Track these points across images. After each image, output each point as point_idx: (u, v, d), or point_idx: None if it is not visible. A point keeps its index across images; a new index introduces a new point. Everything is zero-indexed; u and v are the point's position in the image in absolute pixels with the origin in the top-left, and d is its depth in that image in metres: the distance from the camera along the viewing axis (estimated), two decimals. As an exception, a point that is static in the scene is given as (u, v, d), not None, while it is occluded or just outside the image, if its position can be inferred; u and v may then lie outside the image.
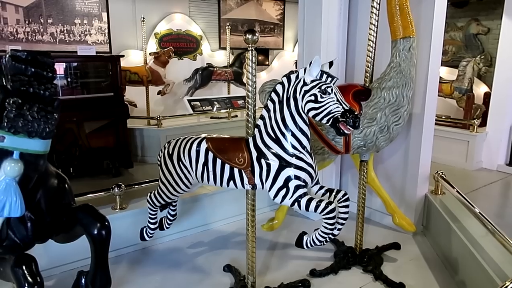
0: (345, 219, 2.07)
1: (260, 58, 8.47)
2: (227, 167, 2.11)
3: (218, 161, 2.13)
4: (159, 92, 6.48)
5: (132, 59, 6.47)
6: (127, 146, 5.27)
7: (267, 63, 8.24)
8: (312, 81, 1.89)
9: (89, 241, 1.70)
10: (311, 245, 2.08)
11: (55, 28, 5.83)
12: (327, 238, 2.05)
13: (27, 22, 5.58)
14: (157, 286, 2.58)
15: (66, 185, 1.76)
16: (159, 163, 2.39)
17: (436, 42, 2.93)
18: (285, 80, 2.01)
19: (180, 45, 7.02)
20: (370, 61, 2.56)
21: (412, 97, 2.75)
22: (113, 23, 6.28)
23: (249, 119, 2.12)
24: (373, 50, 2.54)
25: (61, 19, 5.85)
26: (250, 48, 2.04)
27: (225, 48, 7.18)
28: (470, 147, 5.16)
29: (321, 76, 1.89)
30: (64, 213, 1.68)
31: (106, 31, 6.26)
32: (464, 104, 5.70)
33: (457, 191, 2.89)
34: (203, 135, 2.27)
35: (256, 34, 2.03)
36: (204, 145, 2.18)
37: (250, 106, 2.11)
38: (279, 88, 2.02)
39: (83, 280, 1.91)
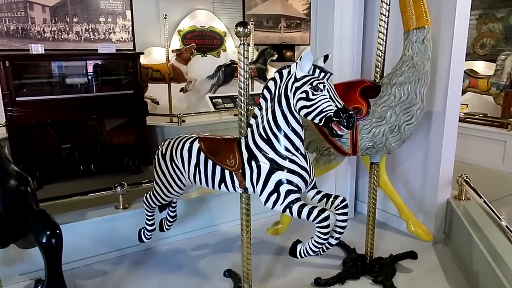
0: (343, 227, 1.89)
1: (287, 54, 8.31)
2: (218, 168, 1.99)
3: (210, 162, 2.02)
4: (181, 90, 6.47)
5: (156, 56, 6.50)
6: (146, 144, 5.29)
7: (294, 59, 8.05)
8: (303, 76, 1.73)
9: (39, 250, 1.63)
10: (305, 255, 1.93)
11: (80, 27, 5.95)
12: (323, 248, 1.89)
13: (53, 21, 5.73)
14: (154, 289, 2.52)
15: (29, 188, 1.69)
16: (154, 163, 2.31)
17: (459, 32, 2.66)
18: (277, 75, 1.86)
19: (203, 42, 6.99)
20: (380, 54, 2.34)
21: (429, 94, 2.52)
22: (137, 21, 6.35)
23: (242, 118, 1.99)
24: (384, 43, 2.33)
25: (86, 17, 5.96)
26: (242, 42, 1.91)
27: (249, 44, 7.04)
28: (508, 148, 4.75)
29: (314, 71, 1.73)
30: (23, 217, 1.62)
31: (130, 29, 6.33)
32: (502, 101, 5.28)
33: (481, 198, 2.61)
34: (195, 135, 2.16)
35: (248, 26, 1.89)
36: (196, 145, 2.08)
37: (242, 104, 1.98)
38: (271, 84, 1.88)
39: None
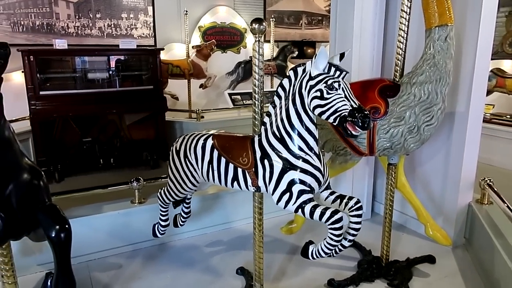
0: (357, 229, 1.85)
1: (308, 51, 8.21)
2: (231, 166, 1.98)
3: (223, 160, 2.00)
4: (200, 86, 6.47)
5: (176, 52, 6.52)
6: (165, 139, 5.33)
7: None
8: (318, 75, 1.69)
9: (49, 244, 1.65)
10: (317, 256, 1.89)
11: (103, 23, 6.03)
12: (336, 250, 1.86)
13: (77, 17, 5.83)
14: (167, 284, 2.52)
15: (41, 181, 1.71)
16: (168, 159, 2.32)
17: (485, 30, 2.55)
18: (291, 73, 1.82)
19: (224, 38, 6.97)
20: (400, 53, 2.28)
21: (451, 94, 2.44)
22: (158, 17, 6.38)
23: (256, 116, 1.97)
24: (404, 41, 2.26)
25: (108, 13, 6.03)
26: (257, 39, 1.88)
27: (269, 41, 7.01)
28: (536, 151, 4.58)
29: (329, 69, 1.68)
30: (35, 211, 1.65)
31: (152, 25, 6.37)
32: (531, 102, 5.08)
33: (504, 202, 2.51)
34: (211, 132, 2.15)
35: (264, 23, 1.86)
36: (210, 142, 2.07)
37: (256, 102, 1.95)
38: (285, 82, 1.85)
39: (49, 282, 1.86)
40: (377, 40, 3.06)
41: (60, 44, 4.72)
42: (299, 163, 1.81)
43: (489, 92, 5.29)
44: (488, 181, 2.78)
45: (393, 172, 2.46)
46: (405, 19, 2.23)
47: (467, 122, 2.68)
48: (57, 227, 1.61)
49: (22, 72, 4.61)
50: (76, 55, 5.00)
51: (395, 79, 2.32)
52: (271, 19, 6.91)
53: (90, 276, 2.59)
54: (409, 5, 2.21)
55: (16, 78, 5.19)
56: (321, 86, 1.67)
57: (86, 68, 5.00)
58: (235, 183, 1.99)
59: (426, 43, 2.18)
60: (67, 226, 1.63)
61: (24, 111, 4.59)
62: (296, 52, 7.07)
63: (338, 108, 1.65)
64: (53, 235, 1.60)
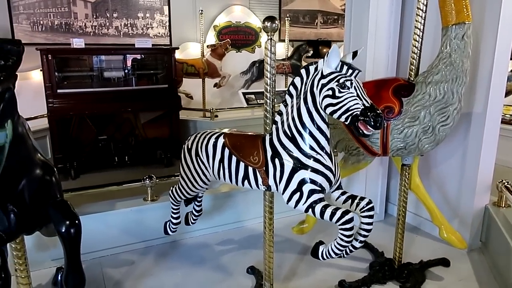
0: (368, 230, 1.83)
1: (324, 50, 8.14)
2: (241, 165, 1.97)
3: (234, 158, 2.00)
4: (215, 85, 6.49)
5: (191, 51, 6.56)
6: (179, 137, 5.35)
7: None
8: (330, 73, 1.67)
9: (59, 239, 1.67)
10: (327, 257, 1.87)
11: (120, 22, 6.10)
12: (346, 251, 1.83)
13: (94, 16, 5.91)
14: (177, 282, 2.54)
15: (53, 177, 1.74)
16: (180, 157, 2.32)
17: (505, 28, 2.49)
18: (303, 72, 1.80)
19: (239, 37, 6.98)
20: (416, 51, 2.24)
21: (468, 94, 2.39)
22: (174, 16, 6.43)
23: (267, 115, 1.96)
24: (420, 40, 2.22)
25: (125, 13, 6.11)
26: (270, 37, 1.87)
27: (284, 40, 6.98)
28: (557, 153, 4.43)
29: (341, 68, 1.66)
30: (46, 206, 1.67)
31: (167, 24, 6.43)
32: (553, 103, 4.93)
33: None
34: (223, 130, 2.15)
35: (276, 21, 1.85)
36: (221, 141, 2.06)
37: (268, 101, 1.94)
38: (297, 81, 1.83)
39: (59, 277, 1.88)
40: (392, 39, 3.01)
41: (78, 43, 4.80)
42: (310, 162, 1.80)
43: (508, 93, 5.15)
44: (506, 183, 2.72)
45: (407, 173, 2.42)
46: (421, 17, 2.19)
47: (485, 123, 2.61)
48: (67, 222, 1.62)
49: (41, 70, 4.70)
50: (93, 54, 5.07)
51: (410, 78, 2.28)
52: (286, 18, 6.88)
53: (102, 272, 2.62)
54: (425, 3, 2.16)
55: (35, 76, 5.31)
56: (333, 84, 1.65)
57: (102, 67, 5.07)
58: (246, 181, 1.98)
59: (442, 42, 2.13)
60: (77, 221, 1.65)
61: (43, 109, 4.68)
62: (311, 52, 7.02)
63: (350, 107, 1.62)
64: (63, 231, 1.62)
